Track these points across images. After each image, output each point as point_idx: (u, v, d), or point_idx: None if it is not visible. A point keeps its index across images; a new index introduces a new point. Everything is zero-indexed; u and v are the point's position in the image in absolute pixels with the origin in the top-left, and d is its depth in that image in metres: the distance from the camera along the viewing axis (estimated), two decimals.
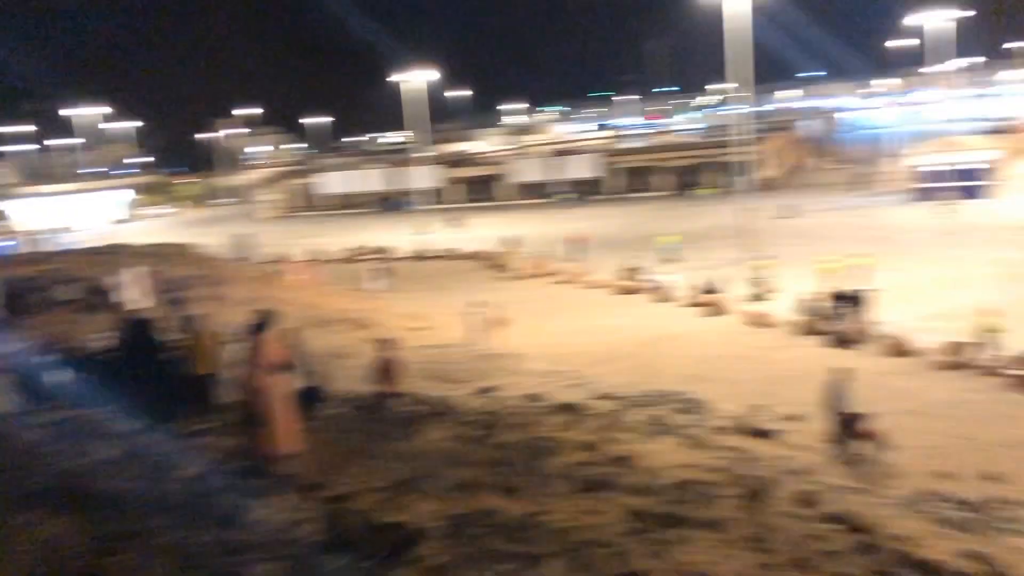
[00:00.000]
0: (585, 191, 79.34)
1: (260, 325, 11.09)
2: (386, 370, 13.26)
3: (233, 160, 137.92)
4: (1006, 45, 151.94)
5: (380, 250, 52.80)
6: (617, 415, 16.44)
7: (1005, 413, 19.58)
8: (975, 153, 59.16)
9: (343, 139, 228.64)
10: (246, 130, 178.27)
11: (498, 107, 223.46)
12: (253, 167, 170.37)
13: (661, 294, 34.85)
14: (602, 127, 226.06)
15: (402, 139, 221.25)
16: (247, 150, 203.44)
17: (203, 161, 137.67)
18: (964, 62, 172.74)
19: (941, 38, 60.50)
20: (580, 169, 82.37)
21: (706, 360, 25.89)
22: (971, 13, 64.49)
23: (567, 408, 16.65)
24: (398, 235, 63.16)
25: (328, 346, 24.59)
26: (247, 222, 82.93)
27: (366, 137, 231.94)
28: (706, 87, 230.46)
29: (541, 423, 15.24)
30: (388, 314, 32.58)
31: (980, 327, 24.12)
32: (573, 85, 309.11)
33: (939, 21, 57.72)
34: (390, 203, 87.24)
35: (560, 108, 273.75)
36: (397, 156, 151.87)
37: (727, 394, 21.98)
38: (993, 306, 25.34)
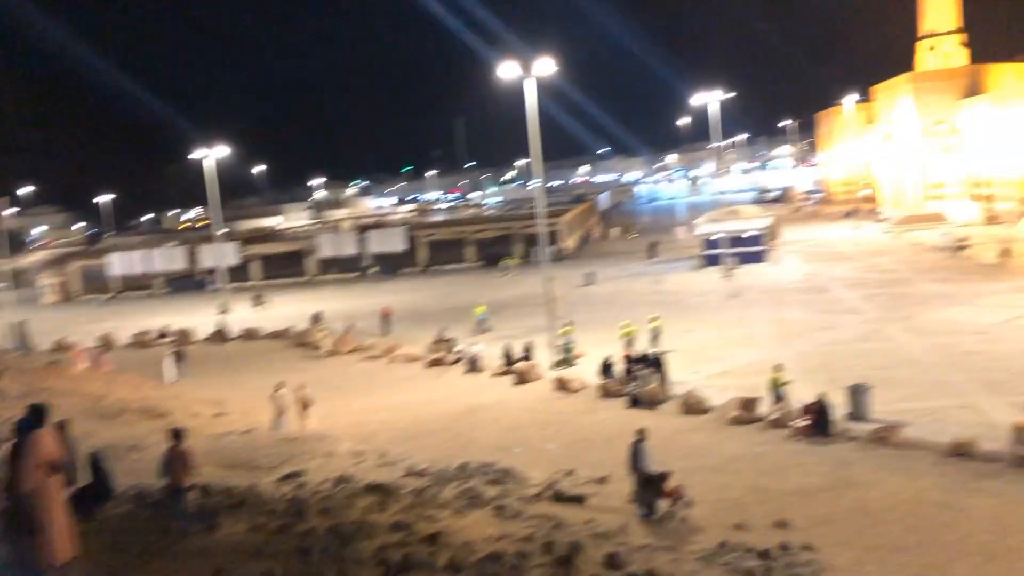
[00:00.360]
0: (394, 265, 79.29)
1: (31, 421, 10.15)
2: (177, 462, 12.43)
3: (12, 241, 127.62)
4: (776, 124, 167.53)
5: (177, 333, 50.13)
6: (428, 492, 16.26)
7: (792, 463, 20.96)
8: (753, 221, 64.31)
9: (138, 218, 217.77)
10: (20, 209, 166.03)
11: (306, 183, 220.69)
12: (35, 248, 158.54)
13: (471, 365, 35.07)
14: (409, 201, 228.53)
15: (199, 216, 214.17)
16: (32, 231, 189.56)
17: None
18: (740, 137, 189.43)
19: (719, 117, 66.26)
20: (388, 243, 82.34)
21: (516, 428, 26.19)
22: (734, 95, 70.53)
23: (377, 489, 16.28)
24: (197, 316, 60.27)
25: (117, 439, 22.91)
26: (28, 308, 76.57)
27: (168, 214, 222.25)
28: (512, 163, 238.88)
29: (350, 506, 14.80)
30: (184, 401, 30.82)
31: (771, 382, 25.82)
32: (380, 160, 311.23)
33: (716, 102, 62.89)
34: (187, 283, 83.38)
35: (366, 182, 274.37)
36: (195, 234, 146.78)
37: (536, 461, 22.27)
38: (777, 362, 27.24)
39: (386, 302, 58.40)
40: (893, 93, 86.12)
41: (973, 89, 77.41)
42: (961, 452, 20.31)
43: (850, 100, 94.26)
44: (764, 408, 25.26)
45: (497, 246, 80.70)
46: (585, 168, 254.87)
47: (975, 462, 19.89)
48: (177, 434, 13.03)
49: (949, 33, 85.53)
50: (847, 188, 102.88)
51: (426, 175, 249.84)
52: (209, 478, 18.26)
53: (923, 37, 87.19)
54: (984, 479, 18.89)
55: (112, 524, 12.28)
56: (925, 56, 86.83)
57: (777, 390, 25.69)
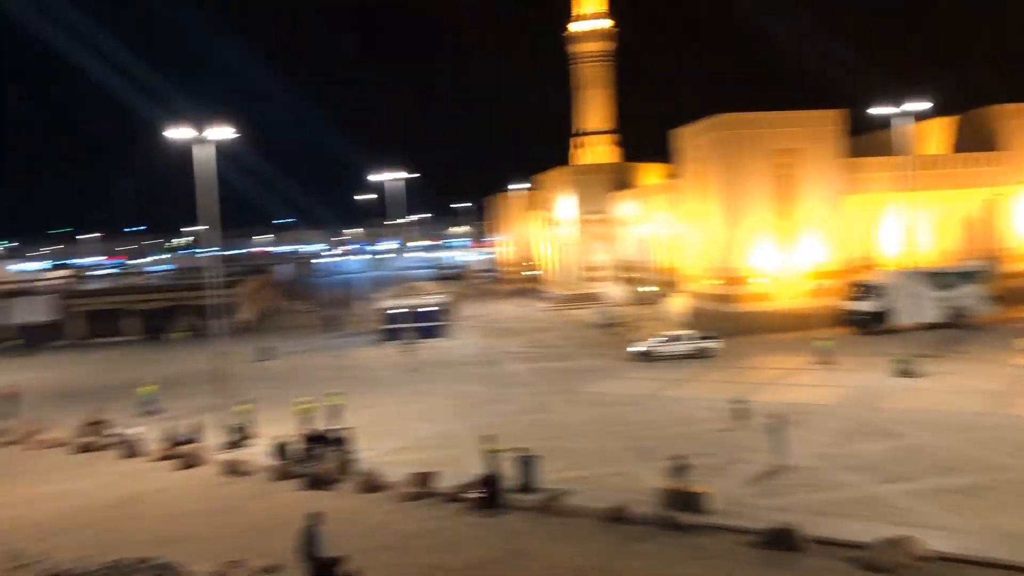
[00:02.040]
0: (40, 337, 70.90)
1: None
2: None
3: None
4: (453, 205, 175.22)
5: None
6: None
7: (468, 536, 21.19)
8: (431, 297, 66.04)
9: None
10: None
11: None
12: None
13: (129, 449, 31.88)
14: (61, 266, 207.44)
15: None
16: None
17: None
18: (419, 216, 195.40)
19: (399, 195, 67.82)
20: (34, 312, 73.60)
21: (180, 517, 24.08)
22: (414, 175, 72.99)
23: None
24: None
25: None
26: None
27: None
28: (180, 229, 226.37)
29: None
30: None
31: (487, 453, 25.74)
32: (30, 219, 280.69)
33: (396, 181, 64.45)
34: None
35: (13, 243, 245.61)
36: None
37: (203, 552, 20.52)
38: (487, 434, 27.25)
39: (24, 379, 52.04)
40: (554, 183, 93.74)
41: (623, 183, 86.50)
42: (617, 517, 21.76)
43: (517, 186, 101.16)
44: (442, 482, 25.41)
45: (164, 317, 75.36)
46: (264, 237, 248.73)
47: (630, 526, 21.38)
48: None
49: (600, 133, 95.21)
50: (516, 268, 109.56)
51: (85, 237, 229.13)
52: None
53: (577, 134, 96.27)
54: (638, 542, 20.34)
55: None
56: (577, 152, 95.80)
57: (492, 461, 25.47)
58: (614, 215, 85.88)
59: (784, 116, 56.84)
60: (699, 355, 46.88)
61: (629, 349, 48.62)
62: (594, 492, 24.41)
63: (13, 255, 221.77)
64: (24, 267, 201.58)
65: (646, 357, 47.21)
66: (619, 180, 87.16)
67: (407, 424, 34.91)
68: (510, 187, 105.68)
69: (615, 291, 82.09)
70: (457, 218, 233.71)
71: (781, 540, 19.54)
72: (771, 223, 56.17)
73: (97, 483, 28.54)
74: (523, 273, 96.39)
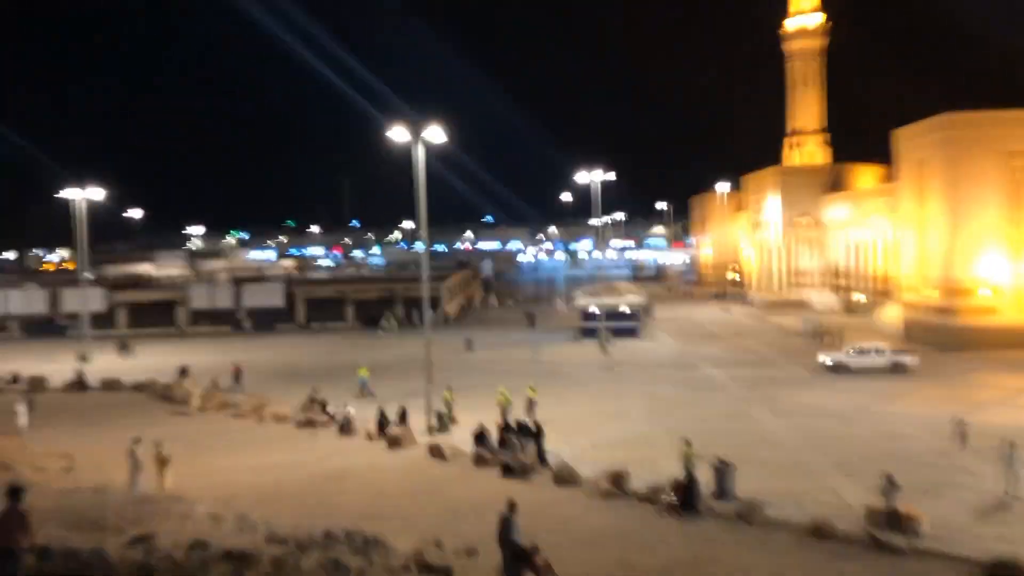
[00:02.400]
0: (268, 320, 77.04)
1: None
2: (12, 522, 11.28)
3: None
4: (654, 205, 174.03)
5: (28, 380, 46.88)
6: (288, 560, 15.37)
7: (659, 539, 20.97)
8: (629, 297, 65.87)
9: None
10: None
11: (182, 231, 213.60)
12: None
13: (344, 427, 34.04)
14: (290, 256, 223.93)
15: (63, 258, 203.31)
16: None
17: None
18: (619, 216, 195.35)
19: (604, 195, 68.20)
20: (266, 297, 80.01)
21: (386, 495, 25.38)
22: (613, 175, 72.85)
23: (234, 556, 15.28)
24: (54, 363, 56.67)
25: None
26: None
27: (30, 254, 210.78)
28: (396, 224, 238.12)
29: (205, 575, 13.82)
30: (31, 452, 28.65)
31: (683, 456, 25.67)
32: (262, 212, 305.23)
33: (598, 180, 64.65)
34: (46, 327, 78.62)
35: (246, 234, 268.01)
36: (58, 276, 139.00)
37: (405, 530, 21.53)
38: (685, 436, 27.07)
39: (253, 358, 56.64)
40: (762, 184, 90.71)
41: (834, 186, 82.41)
42: (820, 533, 20.80)
43: (722, 187, 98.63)
44: (635, 482, 25.33)
45: (378, 307, 79.76)
46: (469, 234, 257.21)
47: (833, 543, 20.39)
48: (14, 492, 11.86)
49: (812, 132, 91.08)
50: (717, 271, 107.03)
51: (309, 230, 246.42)
52: (50, 539, 16.79)
53: (789, 135, 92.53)
54: (841, 560, 19.34)
55: None
56: (790, 152, 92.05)
57: (689, 464, 25.36)
58: (824, 218, 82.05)
59: (1020, 115, 52.13)
60: (893, 370, 43.96)
61: (820, 359, 46.31)
62: (794, 505, 23.52)
63: (246, 245, 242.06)
64: (257, 256, 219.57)
65: (836, 369, 44.90)
66: (831, 182, 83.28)
67: (601, 422, 35.04)
68: (715, 188, 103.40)
69: (822, 298, 78.37)
70: (657, 218, 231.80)
71: (1004, 572, 17.98)
72: (1001, 230, 51.76)
73: (314, 456, 30.62)
74: (724, 276, 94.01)
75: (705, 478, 24.55)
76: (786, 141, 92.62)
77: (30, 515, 11.68)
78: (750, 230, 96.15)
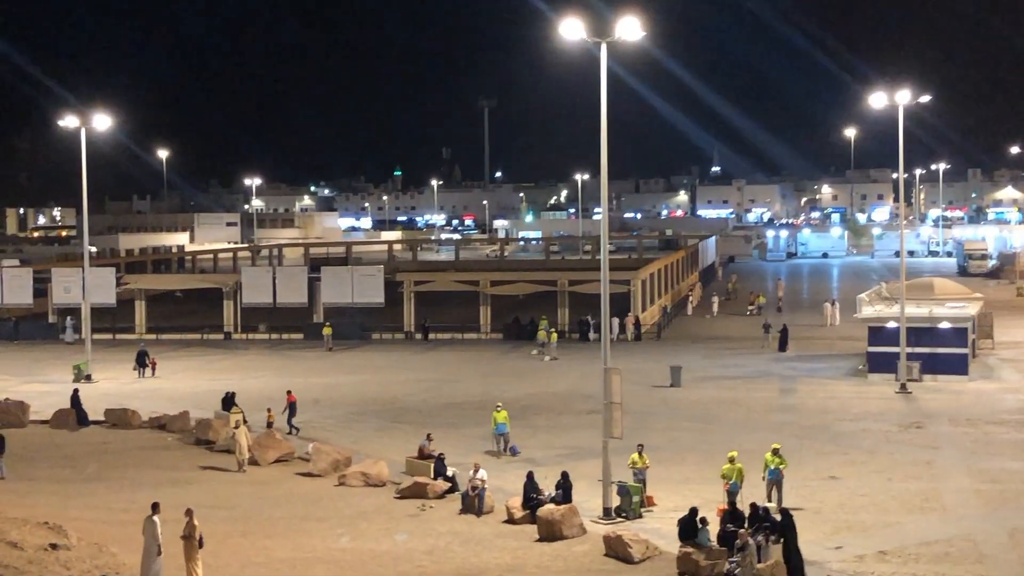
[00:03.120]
0: (362, 325, 78.77)
1: None
2: None
3: None
4: (1009, 151, 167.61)
5: (1, 407, 49.88)
6: None
7: None
8: (952, 305, 62.24)
9: None
10: None
11: (235, 184, 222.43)
12: None
13: (472, 502, 34.36)
14: (396, 225, 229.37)
15: (55, 221, 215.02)
16: None
17: None
18: (941, 168, 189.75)
19: (913, 133, 65.54)
20: (359, 290, 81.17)
21: None
22: (929, 98, 70.13)
23: None
24: (40, 381, 60.15)
25: None
26: None
27: (15, 213, 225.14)
28: (563, 180, 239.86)
29: None
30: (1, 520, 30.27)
31: None
32: (356, 159, 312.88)
33: (909, 106, 62.64)
34: (33, 327, 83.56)
35: (331, 191, 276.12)
36: (50, 249, 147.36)
37: None
38: (975, 541, 26.11)
39: (342, 383, 58.16)
40: None
41: None
42: None
43: None
44: None
45: (530, 308, 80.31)
46: (683, 196, 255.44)
47: None
48: None
49: None
50: None
51: (427, 186, 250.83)
52: None
53: None
54: None
55: None
56: None
57: None
58: None
59: None
60: None
61: None
62: None
63: (328, 207, 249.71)
64: (347, 224, 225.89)
65: None
66: None
67: (895, 514, 33.90)
68: None
69: None
70: (1005, 173, 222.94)
71: None
72: None
73: (425, 547, 30.91)
74: None
75: None
76: None
77: None
78: None
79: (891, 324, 58.36)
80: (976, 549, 30.13)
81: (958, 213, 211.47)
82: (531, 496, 33.80)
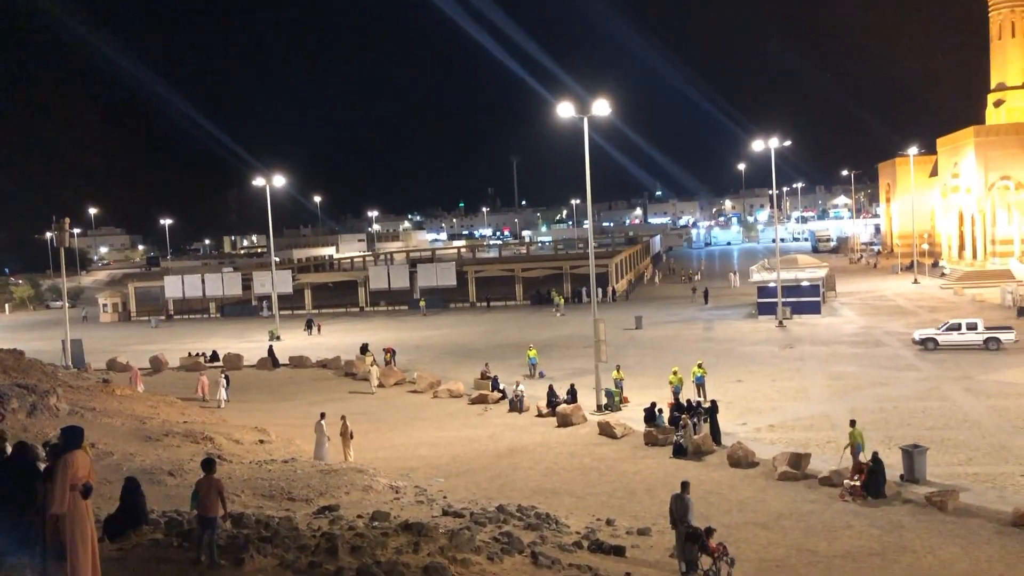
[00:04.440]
0: (443, 299, 79.48)
1: (66, 443, 10.08)
2: (208, 491, 12.26)
3: (75, 261, 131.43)
4: (841, 172, 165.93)
5: (225, 358, 50.67)
6: (464, 534, 15.86)
7: (842, 524, 20.14)
8: (810, 270, 63.19)
9: (196, 242, 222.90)
10: (84, 230, 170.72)
11: (361, 215, 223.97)
12: (95, 268, 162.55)
13: (515, 405, 34.72)
14: (462, 237, 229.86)
15: (253, 244, 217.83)
16: (98, 250, 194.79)
17: (40, 262, 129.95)
18: (800, 186, 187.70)
19: (781, 164, 65.08)
20: (438, 277, 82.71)
21: (557, 472, 25.73)
22: (789, 143, 69.67)
23: (412, 528, 15.92)
24: (248, 342, 61.00)
25: (158, 462, 23.00)
26: (86, 326, 78.35)
27: (228, 240, 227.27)
28: (563, 203, 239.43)
29: (383, 545, 14.47)
30: (229, 426, 30.94)
31: (852, 437, 24.71)
32: (434, 195, 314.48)
33: (774, 148, 62.08)
34: (241, 308, 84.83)
35: (420, 217, 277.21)
36: (250, 260, 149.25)
37: (576, 507, 21.78)
38: (852, 419, 26.10)
39: (427, 336, 58.76)
40: (958, 146, 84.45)
41: None
42: (1022, 522, 19.32)
43: (913, 152, 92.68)
44: (816, 464, 24.43)
45: (546, 285, 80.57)
46: (639, 211, 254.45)
47: None
48: (208, 464, 12.88)
49: (1017, 88, 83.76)
50: (907, 241, 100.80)
51: (479, 212, 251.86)
52: (245, 507, 18.13)
53: (993, 91, 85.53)
54: None
55: (140, 552, 12.12)
56: (995, 111, 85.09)
57: (852, 447, 24.41)
58: None
59: None
60: (988, 347, 41.97)
61: (913, 336, 44.48)
62: (993, 492, 22.00)
63: (420, 227, 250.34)
64: (431, 237, 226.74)
65: (925, 346, 43.15)
66: None
67: (778, 402, 33.96)
68: (905, 152, 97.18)
69: None
70: (839, 187, 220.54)
71: None
72: None
73: (487, 432, 31.44)
74: (915, 247, 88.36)
75: (893, 461, 23.35)
76: (989, 97, 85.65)
77: (223, 486, 12.63)
78: (944, 196, 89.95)
79: (771, 284, 58.35)
80: (829, 421, 30.31)
81: (811, 213, 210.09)
82: (552, 400, 34.24)
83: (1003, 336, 42.79)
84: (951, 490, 21.47)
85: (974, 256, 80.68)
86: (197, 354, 52.42)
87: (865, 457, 23.07)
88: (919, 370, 38.59)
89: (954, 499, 20.99)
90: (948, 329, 43.73)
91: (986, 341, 42.57)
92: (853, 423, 25.14)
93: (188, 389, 41.31)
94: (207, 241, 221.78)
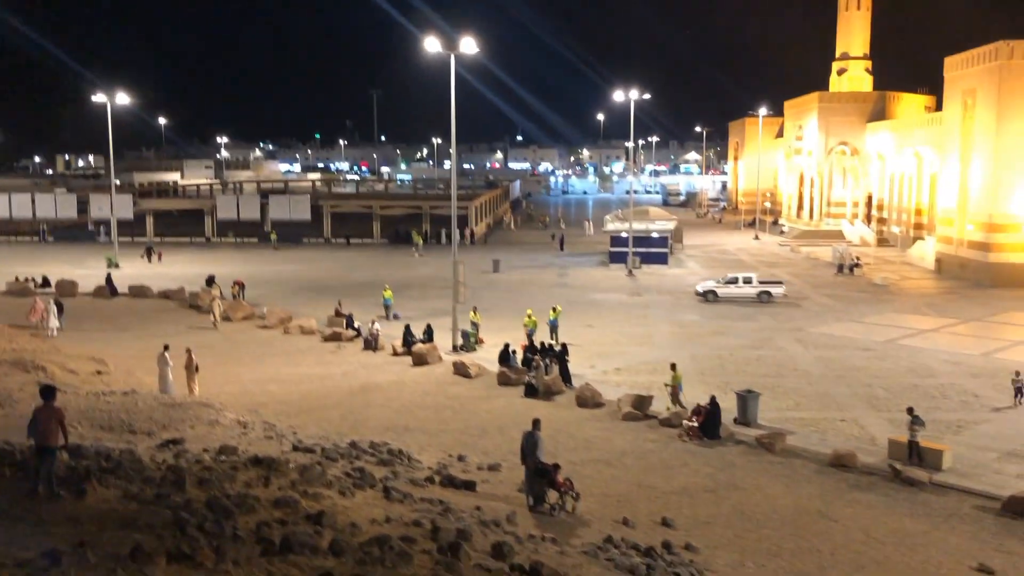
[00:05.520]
0: (298, 233, 77.39)
1: None
2: (47, 420, 11.68)
3: None
4: (694, 129, 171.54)
5: (58, 284, 47.77)
6: (315, 469, 15.82)
7: (679, 462, 21.36)
8: (660, 223, 65.46)
9: (27, 160, 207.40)
10: None
11: (210, 140, 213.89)
12: None
13: (369, 343, 34.52)
14: (317, 169, 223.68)
15: (90, 164, 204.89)
16: None
17: None
18: (655, 140, 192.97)
19: (638, 118, 66.42)
20: (292, 210, 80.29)
21: (411, 410, 25.92)
22: (648, 96, 71.45)
23: (262, 462, 15.75)
24: (84, 268, 57.67)
25: None
26: None
27: (62, 159, 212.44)
28: (425, 141, 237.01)
29: (232, 479, 14.27)
30: (63, 355, 29.37)
31: (670, 379, 26.28)
32: (290, 124, 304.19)
33: (632, 102, 63.38)
34: (76, 232, 79.75)
35: (273, 146, 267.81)
36: (86, 182, 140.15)
37: (429, 444, 22.08)
38: (672, 362, 27.70)
39: (278, 271, 57.43)
40: (802, 110, 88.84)
41: (877, 115, 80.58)
42: (841, 463, 21.07)
43: (762, 113, 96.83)
44: (657, 406, 25.67)
45: (405, 224, 79.82)
46: (499, 155, 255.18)
47: (853, 474, 20.67)
48: (47, 391, 12.26)
49: (858, 59, 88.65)
50: (751, 199, 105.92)
51: (336, 145, 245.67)
52: (83, 439, 17.38)
53: (837, 59, 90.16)
54: (861, 491, 19.63)
55: None
56: (838, 79, 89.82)
57: (674, 388, 26.19)
58: (865, 148, 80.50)
59: None
60: (761, 300, 45.75)
61: (696, 288, 47.75)
62: (816, 435, 23.78)
63: (273, 157, 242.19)
64: (285, 168, 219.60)
65: (705, 298, 46.52)
66: (874, 110, 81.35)
67: (626, 347, 35.27)
68: (752, 112, 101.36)
69: (857, 230, 77.50)
70: (691, 143, 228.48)
71: (1021, 508, 18.19)
72: None
73: (340, 371, 31.19)
74: (758, 205, 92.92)
75: (728, 405, 24.83)
76: (834, 65, 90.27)
77: (63, 414, 12.07)
78: (788, 157, 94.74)
79: (623, 234, 60.10)
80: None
81: (663, 167, 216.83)
82: (408, 339, 34.24)
83: (774, 290, 46.62)
84: (779, 432, 23.10)
85: (811, 216, 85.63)
86: (26, 279, 49.20)
87: (687, 398, 24.82)
88: (756, 321, 40.87)
89: (781, 441, 22.61)
90: (727, 283, 47.17)
91: (759, 294, 46.22)
92: (674, 366, 26.95)
93: (17, 316, 38.79)
94: (37, 159, 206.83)
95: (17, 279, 49.20)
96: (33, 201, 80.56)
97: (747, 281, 46.70)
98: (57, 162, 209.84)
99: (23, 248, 74.13)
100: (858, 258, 58.95)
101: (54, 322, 36.81)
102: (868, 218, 79.11)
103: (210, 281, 47.53)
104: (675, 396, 26.08)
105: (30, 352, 28.99)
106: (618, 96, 63.52)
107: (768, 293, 46.09)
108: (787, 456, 22.00)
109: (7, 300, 45.65)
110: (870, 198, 79.64)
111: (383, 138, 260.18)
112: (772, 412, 25.66)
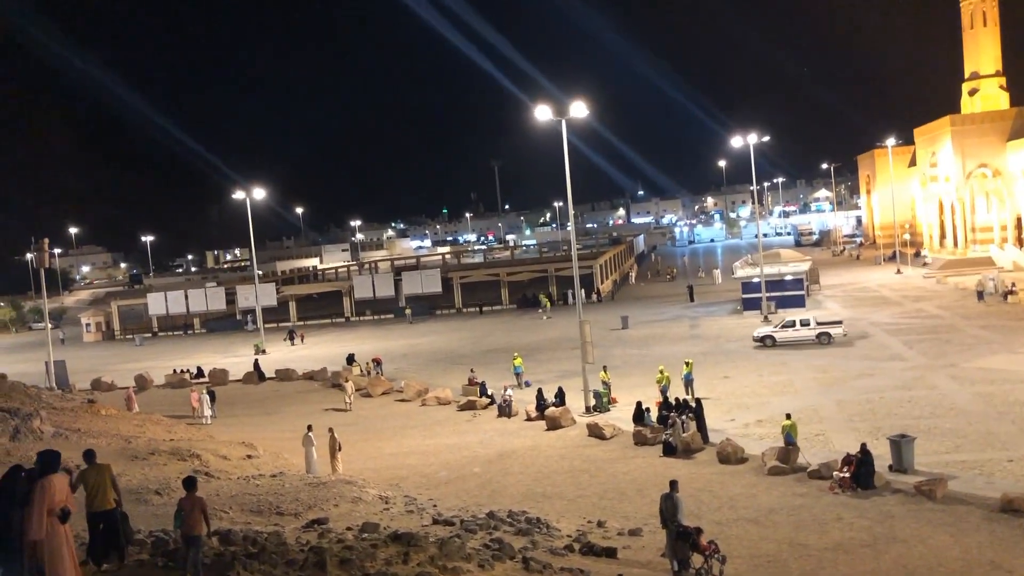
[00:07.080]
0: (429, 306, 79.28)
1: (42, 467, 9.94)
2: (191, 510, 12.13)
3: (56, 281, 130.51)
4: (821, 166, 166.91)
5: (211, 373, 50.37)
6: (454, 542, 15.76)
7: (832, 516, 20.16)
8: (793, 265, 63.32)
9: (179, 258, 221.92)
10: (65, 250, 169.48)
11: (343, 225, 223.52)
12: (78, 288, 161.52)
13: (503, 410, 34.64)
14: (446, 243, 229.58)
15: (236, 257, 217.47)
16: (80, 269, 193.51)
17: (21, 283, 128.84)
18: (781, 180, 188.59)
19: (762, 159, 65.22)
20: (423, 284, 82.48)
21: (547, 475, 25.66)
22: (768, 138, 70.04)
23: (401, 538, 15.81)
24: (233, 356, 60.65)
25: (145, 481, 22.79)
26: (69, 346, 77.73)
27: (211, 255, 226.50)
28: (547, 206, 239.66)
29: (372, 557, 14.36)
30: (215, 442, 30.71)
31: (784, 429, 25.09)
32: (417, 203, 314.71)
33: (754, 144, 62.19)
34: (225, 323, 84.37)
35: (403, 225, 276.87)
36: (233, 274, 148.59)
37: (567, 510, 21.71)
38: (787, 411, 26.45)
39: (412, 344, 58.59)
40: (935, 136, 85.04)
41: (1017, 132, 76.18)
42: (1012, 508, 19.39)
43: (891, 143, 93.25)
44: (804, 459, 24.47)
45: (532, 288, 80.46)
46: (621, 211, 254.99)
47: None
48: (190, 482, 12.76)
49: (990, 76, 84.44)
50: (888, 232, 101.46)
51: (463, 217, 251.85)
52: (233, 524, 17.97)
53: (967, 79, 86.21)
54: None
55: (125, 574, 11.98)
56: (968, 99, 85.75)
57: (788, 437, 24.89)
58: (1008, 168, 76.08)
59: None
60: (820, 342, 43.98)
61: (753, 335, 46.12)
62: (981, 479, 22.05)
63: (404, 235, 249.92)
64: (415, 244, 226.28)
65: (764, 343, 45.02)
66: (1014, 127, 77.02)
67: (765, 397, 33.99)
68: (881, 144, 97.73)
69: (1009, 255, 72.83)
70: (820, 180, 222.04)
71: None
72: None
73: (477, 439, 31.32)
74: (896, 237, 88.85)
75: (881, 452, 23.41)
76: (964, 86, 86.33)
77: (206, 503, 12.49)
78: (924, 185, 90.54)
79: (755, 279, 58.48)
80: (817, 414, 30.34)
81: (792, 208, 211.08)
82: (540, 403, 34.16)
83: (832, 331, 44.57)
84: (939, 478, 21.53)
85: (955, 244, 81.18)
86: (182, 371, 52.10)
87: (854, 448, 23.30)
88: (906, 360, 38.69)
89: (943, 487, 21.05)
90: (784, 327, 45.49)
91: (818, 335, 44.36)
92: (788, 416, 25.69)
93: (174, 407, 41.06)
94: (190, 256, 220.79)
95: (175, 372, 52.14)
96: (186, 296, 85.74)
97: (804, 323, 45.19)
98: (207, 258, 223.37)
99: (180, 341, 78.77)
100: (1013, 284, 55.22)
101: (208, 411, 38.68)
102: (1020, 241, 74.29)
103: (350, 359, 49.10)
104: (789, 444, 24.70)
105: (187, 441, 30.48)
106: (737, 141, 62.62)
107: (828, 335, 44.34)
108: (950, 503, 20.43)
109: (167, 392, 48.39)
110: (1019, 219, 74.88)
111: (507, 206, 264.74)
112: (930, 456, 24.03)
